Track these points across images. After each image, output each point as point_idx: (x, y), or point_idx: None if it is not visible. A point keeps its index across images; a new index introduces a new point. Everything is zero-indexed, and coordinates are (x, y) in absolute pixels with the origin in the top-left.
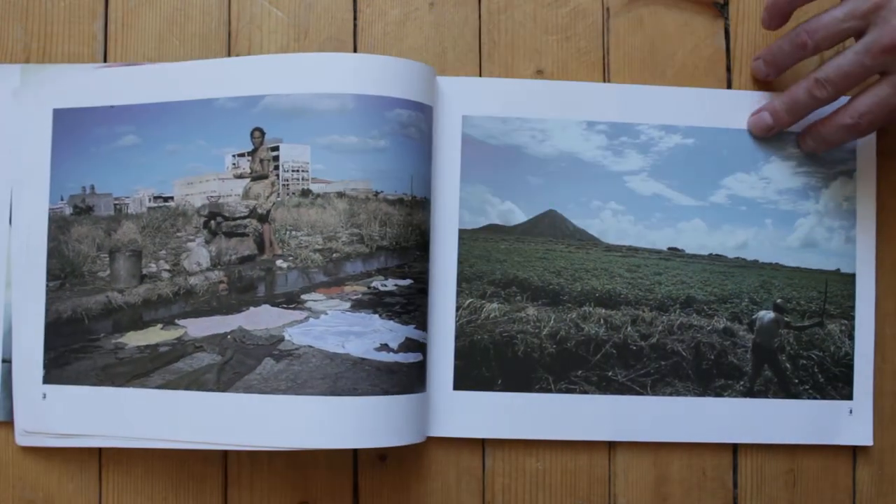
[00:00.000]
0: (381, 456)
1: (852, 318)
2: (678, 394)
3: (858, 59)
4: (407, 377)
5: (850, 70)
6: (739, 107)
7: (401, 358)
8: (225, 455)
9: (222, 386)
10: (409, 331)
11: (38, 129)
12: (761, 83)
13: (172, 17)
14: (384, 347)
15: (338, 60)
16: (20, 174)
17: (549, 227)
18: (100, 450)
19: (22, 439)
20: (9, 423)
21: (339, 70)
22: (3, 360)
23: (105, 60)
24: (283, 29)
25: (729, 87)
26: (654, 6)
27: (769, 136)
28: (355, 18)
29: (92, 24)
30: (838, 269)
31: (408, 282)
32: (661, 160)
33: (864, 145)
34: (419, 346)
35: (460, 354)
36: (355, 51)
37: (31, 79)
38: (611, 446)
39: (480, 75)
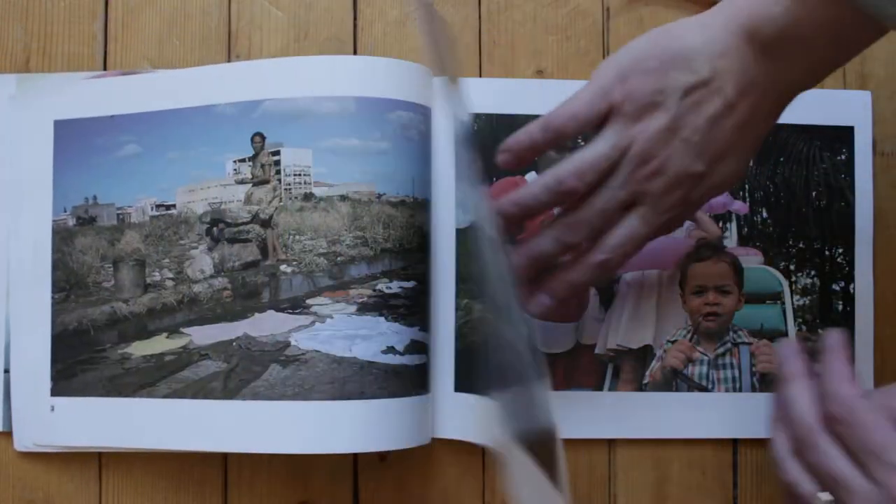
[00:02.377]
0: (381, 457)
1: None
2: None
3: (615, 193)
4: (412, 379)
5: (606, 207)
6: None
7: (406, 360)
8: (225, 456)
9: (229, 393)
10: (414, 332)
11: (38, 142)
12: None
13: (172, 17)
14: (390, 350)
15: (337, 63)
16: (22, 186)
17: None
18: (100, 451)
19: (25, 449)
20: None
21: (339, 73)
22: (5, 371)
23: (105, 61)
24: (283, 29)
25: None
26: (654, 6)
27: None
28: (355, 18)
29: (92, 24)
30: None
31: (412, 283)
32: None
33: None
34: (423, 348)
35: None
36: (355, 51)
37: (28, 90)
38: (611, 446)
39: (480, 75)
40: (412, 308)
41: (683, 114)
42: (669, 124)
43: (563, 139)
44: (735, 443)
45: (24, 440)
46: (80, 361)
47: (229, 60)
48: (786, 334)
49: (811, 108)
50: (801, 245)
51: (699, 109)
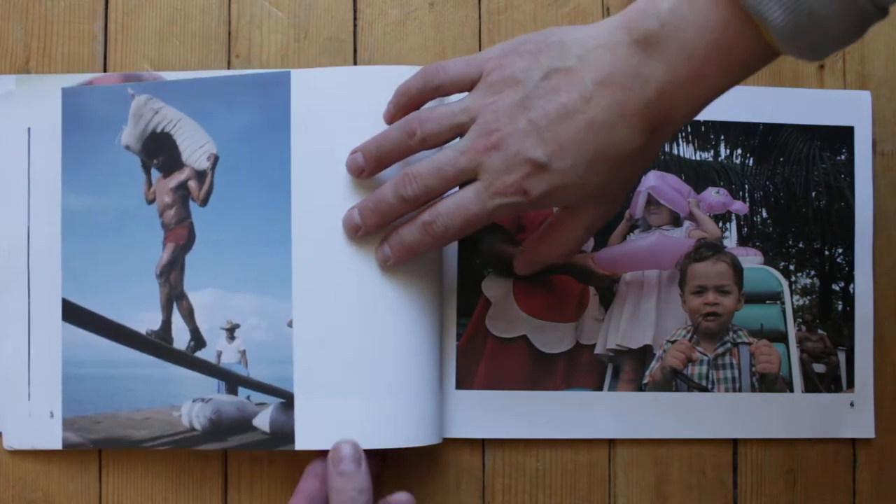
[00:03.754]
0: (382, 456)
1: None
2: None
3: (454, 156)
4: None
5: (443, 167)
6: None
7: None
8: (225, 455)
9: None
10: None
11: (18, 150)
12: (763, 79)
13: (172, 17)
14: None
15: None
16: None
17: None
18: (100, 450)
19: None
20: None
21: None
22: None
23: (105, 61)
24: (283, 29)
25: None
26: None
27: (360, 237)
28: (355, 18)
29: (92, 24)
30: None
31: None
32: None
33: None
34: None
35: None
36: (355, 51)
37: (14, 93)
38: (611, 446)
39: None
40: None
41: (538, 95)
42: (521, 101)
43: (433, 88)
44: (735, 443)
45: (11, 441)
46: None
47: (229, 60)
48: (785, 334)
49: (811, 108)
50: (801, 245)
51: (554, 95)
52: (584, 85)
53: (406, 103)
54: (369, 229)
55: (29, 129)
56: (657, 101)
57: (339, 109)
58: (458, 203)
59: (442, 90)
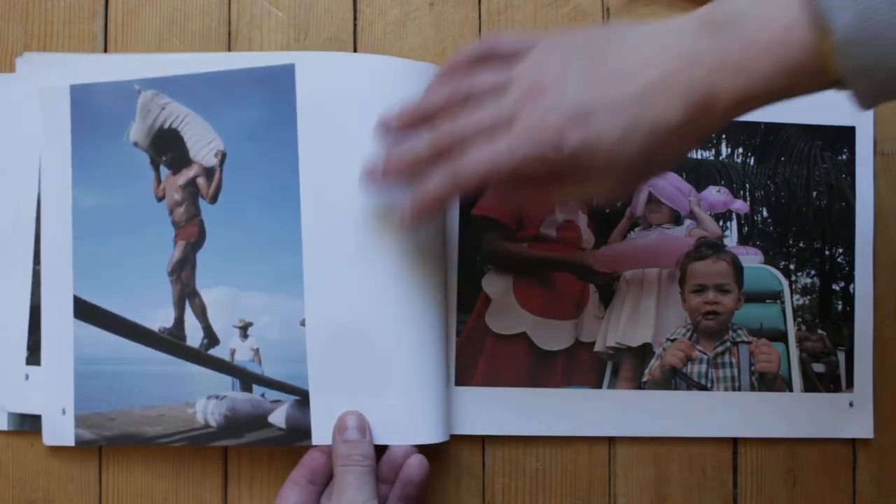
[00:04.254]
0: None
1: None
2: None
3: (495, 102)
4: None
5: (481, 113)
6: None
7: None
8: (225, 454)
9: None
10: None
11: (31, 118)
12: None
13: (172, 17)
14: None
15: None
16: (7, 160)
17: None
18: (100, 449)
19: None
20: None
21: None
22: None
23: None
24: (283, 29)
25: None
26: (654, 6)
27: (374, 179)
28: (355, 18)
29: (92, 24)
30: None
31: None
32: None
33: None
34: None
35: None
36: (355, 50)
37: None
38: (611, 445)
39: None
40: None
41: (593, 59)
42: (575, 62)
43: (487, 48)
44: (735, 442)
45: (7, 404)
46: None
47: None
48: (785, 334)
49: (813, 107)
50: (801, 245)
51: (609, 60)
52: (641, 56)
53: (457, 68)
54: (388, 173)
55: (38, 116)
56: (702, 82)
57: (344, 97)
58: (490, 150)
59: (495, 51)
